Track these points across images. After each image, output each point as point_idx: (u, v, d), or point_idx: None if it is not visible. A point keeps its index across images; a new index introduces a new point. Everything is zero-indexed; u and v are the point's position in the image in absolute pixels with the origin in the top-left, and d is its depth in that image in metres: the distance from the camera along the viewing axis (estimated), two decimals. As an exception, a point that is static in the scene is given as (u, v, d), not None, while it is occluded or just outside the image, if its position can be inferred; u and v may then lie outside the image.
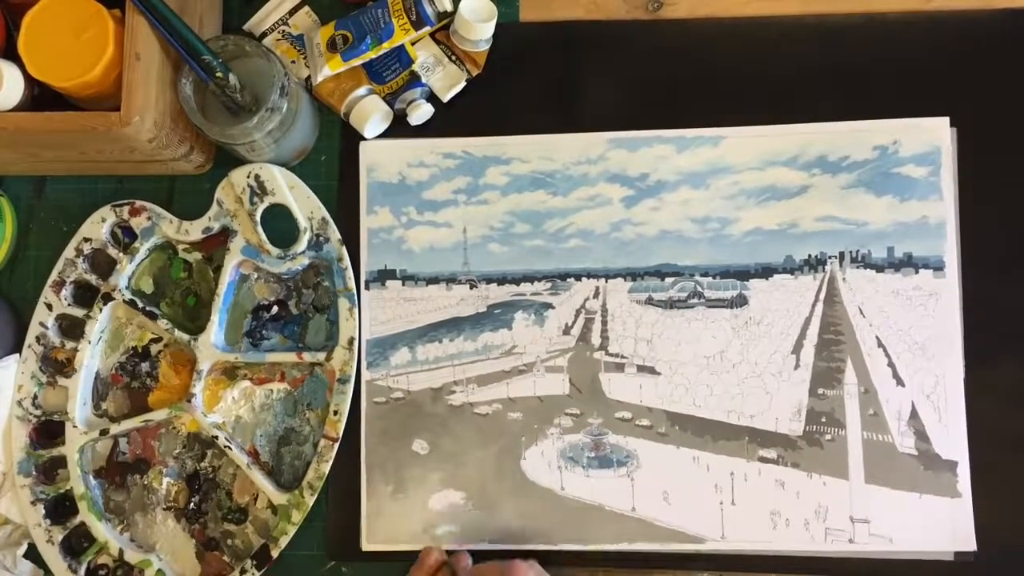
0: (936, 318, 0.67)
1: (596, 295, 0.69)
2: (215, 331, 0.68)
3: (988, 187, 0.67)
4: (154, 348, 0.70)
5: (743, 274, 0.68)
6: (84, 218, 0.69)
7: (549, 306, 0.69)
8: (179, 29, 0.60)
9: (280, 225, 0.68)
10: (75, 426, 0.68)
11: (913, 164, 0.68)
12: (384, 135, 0.71)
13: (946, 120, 0.68)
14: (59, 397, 0.69)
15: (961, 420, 0.66)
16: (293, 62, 0.70)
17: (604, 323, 0.69)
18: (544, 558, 0.66)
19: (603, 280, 0.69)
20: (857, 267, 0.68)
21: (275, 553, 0.66)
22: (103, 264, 0.70)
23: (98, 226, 0.69)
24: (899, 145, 0.68)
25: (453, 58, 0.70)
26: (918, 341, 0.66)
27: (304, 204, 0.68)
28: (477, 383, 0.69)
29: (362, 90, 0.69)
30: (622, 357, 0.68)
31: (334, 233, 0.69)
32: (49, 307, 0.69)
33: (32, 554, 0.68)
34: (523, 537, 0.67)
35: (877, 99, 0.68)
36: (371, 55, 0.68)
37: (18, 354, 0.69)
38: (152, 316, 0.69)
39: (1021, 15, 0.69)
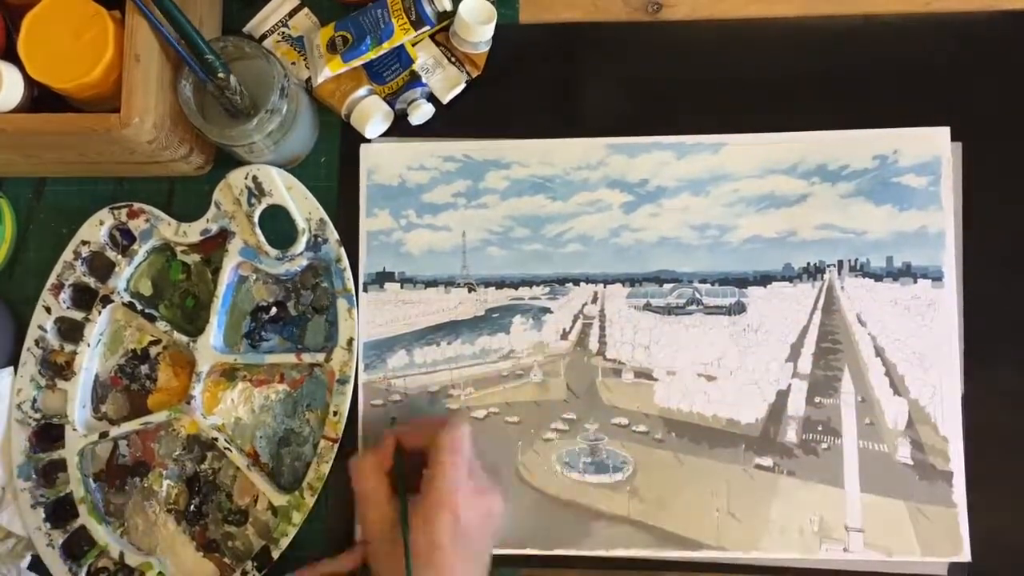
0: (934, 328, 0.66)
1: (594, 300, 0.69)
2: (214, 333, 0.68)
3: (988, 197, 0.67)
4: (153, 350, 0.70)
5: (741, 281, 0.68)
6: (83, 220, 0.69)
7: (547, 311, 0.69)
8: (184, 27, 0.59)
9: (278, 226, 0.68)
10: (75, 429, 0.68)
11: (913, 174, 0.67)
12: (384, 135, 0.71)
13: (946, 130, 0.67)
14: (58, 400, 0.69)
15: (958, 430, 0.66)
16: (293, 64, 0.70)
17: (602, 328, 0.69)
18: (540, 562, 0.66)
19: (601, 285, 0.69)
20: (856, 276, 0.67)
21: (276, 554, 0.66)
22: (101, 267, 0.69)
23: (96, 228, 0.69)
24: (899, 154, 0.67)
25: (453, 60, 0.69)
26: (916, 351, 0.66)
27: (302, 205, 0.68)
28: (474, 386, 0.69)
29: (362, 91, 0.69)
30: (619, 363, 0.68)
31: (332, 234, 0.68)
32: (48, 310, 0.69)
33: (36, 566, 0.68)
34: (519, 541, 0.67)
35: (877, 104, 0.68)
36: (371, 55, 0.68)
37: (12, 368, 0.69)
38: (151, 318, 0.69)
39: (1023, 17, 0.68)
